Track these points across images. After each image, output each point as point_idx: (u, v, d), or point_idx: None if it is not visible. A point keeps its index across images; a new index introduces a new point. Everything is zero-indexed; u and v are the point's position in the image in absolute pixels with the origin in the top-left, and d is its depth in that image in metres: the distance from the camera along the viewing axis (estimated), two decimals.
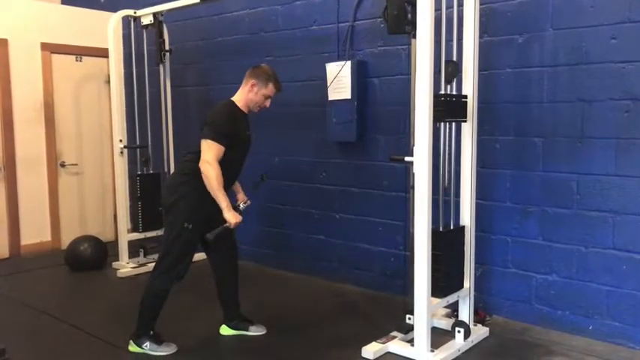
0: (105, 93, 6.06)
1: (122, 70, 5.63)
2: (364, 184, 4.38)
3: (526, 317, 3.64)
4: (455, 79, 3.23)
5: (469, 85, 3.29)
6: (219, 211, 3.37)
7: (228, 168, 3.22)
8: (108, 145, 6.12)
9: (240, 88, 3.32)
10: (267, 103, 3.34)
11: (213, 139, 3.09)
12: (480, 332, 3.43)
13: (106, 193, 6.22)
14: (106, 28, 5.04)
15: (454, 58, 3.24)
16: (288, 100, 4.59)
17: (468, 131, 3.33)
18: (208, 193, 3.18)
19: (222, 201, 3.08)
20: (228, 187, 3.38)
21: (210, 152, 3.08)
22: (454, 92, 3.26)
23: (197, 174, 3.17)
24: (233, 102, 3.30)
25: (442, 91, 3.19)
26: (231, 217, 3.10)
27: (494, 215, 3.72)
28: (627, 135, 3.20)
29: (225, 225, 3.12)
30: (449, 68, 3.18)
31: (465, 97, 3.29)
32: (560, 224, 3.47)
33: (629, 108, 3.19)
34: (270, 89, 3.29)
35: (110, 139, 5.95)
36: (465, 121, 3.30)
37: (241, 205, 3.33)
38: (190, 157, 3.30)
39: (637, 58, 3.15)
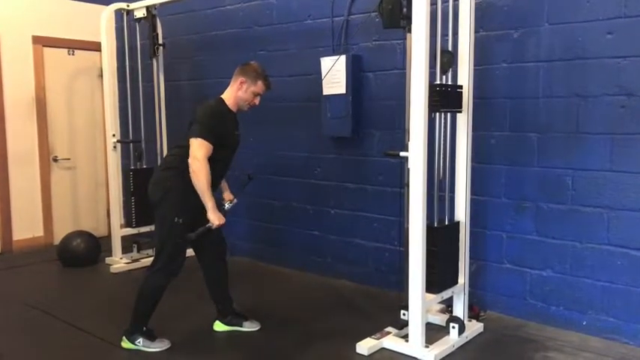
0: (98, 87, 6.01)
1: (115, 64, 5.60)
2: (359, 179, 4.37)
3: (520, 313, 3.64)
4: (450, 70, 3.22)
5: (465, 76, 3.28)
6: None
7: (216, 167, 3.19)
8: (101, 140, 6.08)
9: (229, 86, 3.29)
10: (257, 101, 3.31)
11: (203, 137, 3.06)
12: (475, 328, 3.43)
13: (99, 188, 6.19)
14: (99, 22, 5.00)
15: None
16: (283, 94, 4.57)
17: (463, 122, 3.31)
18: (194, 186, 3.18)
19: (209, 201, 3.07)
20: (215, 187, 3.36)
21: (200, 150, 3.05)
22: (449, 82, 3.25)
23: (183, 168, 3.17)
24: (222, 100, 3.26)
25: (437, 82, 3.16)
26: (215, 219, 3.09)
27: (489, 211, 3.71)
28: (622, 130, 3.20)
29: (208, 225, 3.11)
30: (444, 58, 3.16)
31: (461, 87, 3.27)
32: (555, 220, 3.47)
33: (625, 103, 3.19)
34: (259, 87, 3.26)
35: (103, 134, 5.92)
36: (460, 112, 3.28)
37: (227, 205, 3.33)
38: (176, 152, 3.28)
39: (632, 54, 3.14)
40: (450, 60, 3.18)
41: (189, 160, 3.05)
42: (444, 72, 3.18)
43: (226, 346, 3.39)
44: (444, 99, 3.11)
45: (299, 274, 4.71)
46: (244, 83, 3.24)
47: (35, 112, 5.65)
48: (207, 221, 3.10)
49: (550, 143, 3.46)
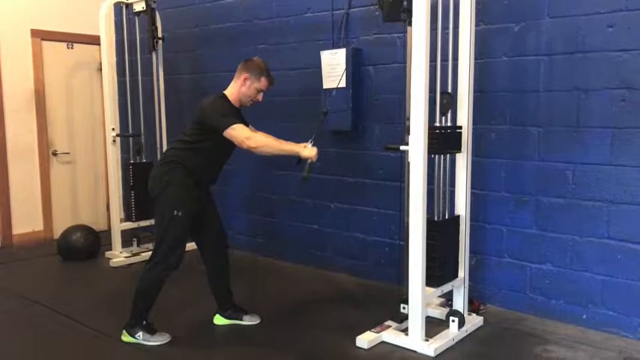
0: (97, 81, 6.00)
1: (114, 58, 5.59)
2: (359, 173, 4.36)
3: (520, 306, 3.64)
4: (451, 70, 3.21)
5: (464, 116, 3.26)
6: (206, 195, 3.38)
7: (217, 157, 3.18)
8: (100, 134, 6.07)
9: (233, 82, 3.28)
10: (260, 97, 3.31)
11: (232, 124, 3.06)
12: (475, 322, 3.43)
13: (99, 182, 6.18)
14: (98, 15, 4.98)
15: (450, 47, 3.22)
16: (282, 88, 4.55)
17: (463, 163, 3.30)
18: (194, 180, 3.21)
19: (291, 147, 3.12)
20: (216, 175, 3.35)
21: (241, 133, 3.06)
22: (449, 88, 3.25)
23: (182, 161, 3.18)
24: (225, 96, 3.25)
25: (437, 123, 3.16)
26: (310, 152, 3.11)
27: (490, 205, 3.71)
28: (623, 124, 3.19)
29: (309, 161, 3.13)
30: (444, 100, 3.16)
31: (460, 127, 3.26)
32: (555, 214, 3.47)
33: (625, 97, 3.18)
34: (262, 83, 3.25)
35: (102, 128, 5.91)
36: (460, 152, 3.28)
37: (309, 144, 3.21)
38: (175, 145, 3.29)
39: (633, 47, 3.13)
40: (449, 101, 3.17)
41: (245, 147, 3.06)
42: (443, 114, 3.18)
43: (226, 339, 3.39)
44: (442, 142, 3.11)
45: (298, 267, 4.71)
46: (248, 79, 3.22)
47: (34, 106, 5.63)
48: (303, 160, 3.14)
49: (550, 137, 3.45)
